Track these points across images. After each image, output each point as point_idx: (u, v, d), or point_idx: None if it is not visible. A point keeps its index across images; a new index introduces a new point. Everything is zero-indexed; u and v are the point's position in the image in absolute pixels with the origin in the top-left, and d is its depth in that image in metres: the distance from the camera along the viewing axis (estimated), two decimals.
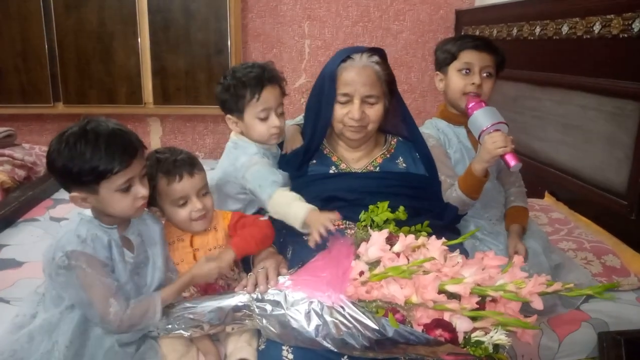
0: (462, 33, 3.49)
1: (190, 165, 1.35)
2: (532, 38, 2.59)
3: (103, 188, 1.14)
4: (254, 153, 1.54)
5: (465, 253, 1.44)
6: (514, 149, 1.51)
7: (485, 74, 1.72)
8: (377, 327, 1.13)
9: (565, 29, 2.30)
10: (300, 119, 1.75)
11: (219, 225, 1.46)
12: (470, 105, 1.61)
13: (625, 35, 1.94)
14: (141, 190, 1.18)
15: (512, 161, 1.50)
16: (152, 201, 1.36)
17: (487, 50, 1.72)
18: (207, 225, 1.41)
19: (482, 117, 1.56)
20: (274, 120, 1.51)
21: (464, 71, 1.72)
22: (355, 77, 1.51)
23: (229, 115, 1.56)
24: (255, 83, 1.47)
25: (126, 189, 1.16)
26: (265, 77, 1.49)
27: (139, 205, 1.20)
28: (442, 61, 1.79)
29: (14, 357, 1.17)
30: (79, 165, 1.10)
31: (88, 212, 1.22)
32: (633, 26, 1.89)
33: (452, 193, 1.63)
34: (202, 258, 1.32)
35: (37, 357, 1.16)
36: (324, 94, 1.54)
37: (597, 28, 2.09)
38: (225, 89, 1.52)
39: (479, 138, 1.57)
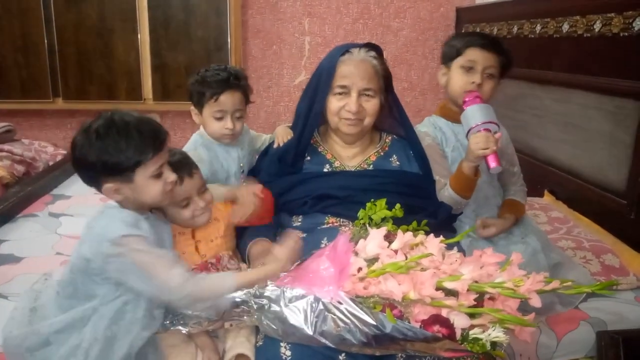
0: (463, 31, 3.48)
1: (188, 165, 1.37)
2: (532, 36, 2.59)
3: (138, 175, 1.15)
4: (193, 143, 1.68)
5: (462, 251, 1.44)
6: (496, 151, 1.50)
7: (487, 74, 1.70)
8: (374, 323, 1.13)
9: (565, 27, 2.30)
10: None
11: (220, 215, 1.48)
12: (466, 100, 1.61)
13: (626, 34, 1.93)
14: (171, 176, 1.21)
15: (492, 163, 1.51)
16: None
17: (493, 50, 1.70)
18: (209, 218, 1.43)
19: (473, 114, 1.56)
20: (227, 122, 1.60)
21: (466, 68, 1.70)
22: (354, 70, 1.52)
23: (192, 107, 1.65)
24: (216, 85, 1.57)
25: (158, 175, 1.18)
26: (228, 82, 1.58)
27: (168, 190, 1.22)
28: (447, 55, 1.77)
29: (34, 351, 1.17)
30: (115, 156, 1.11)
31: (113, 204, 1.22)
32: (634, 25, 1.89)
33: (445, 192, 1.63)
34: (279, 253, 1.27)
35: (64, 351, 1.15)
36: (319, 86, 1.55)
37: (597, 26, 2.09)
38: (193, 83, 1.62)
39: (467, 135, 1.56)
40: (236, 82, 1.59)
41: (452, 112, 1.80)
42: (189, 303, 1.18)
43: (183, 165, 1.35)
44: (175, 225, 1.41)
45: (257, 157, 1.80)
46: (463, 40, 1.74)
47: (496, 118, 1.57)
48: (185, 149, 1.65)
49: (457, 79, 1.72)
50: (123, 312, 1.17)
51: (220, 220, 1.48)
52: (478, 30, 3.22)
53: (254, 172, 1.73)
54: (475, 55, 1.69)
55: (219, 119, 1.60)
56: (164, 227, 1.33)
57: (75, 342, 1.15)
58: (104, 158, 1.11)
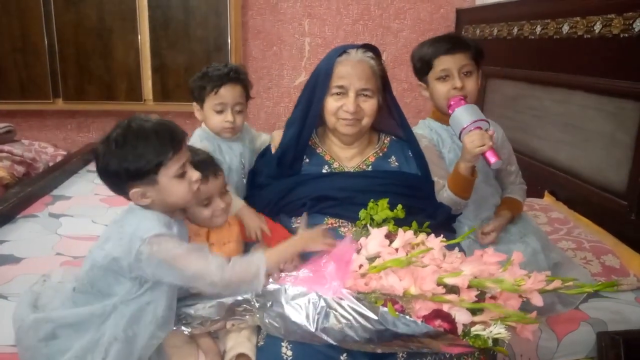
0: (463, 32, 3.49)
1: (214, 165, 1.39)
2: (532, 37, 2.59)
3: (162, 176, 1.16)
4: (197, 137, 1.68)
5: (462, 252, 1.44)
6: (492, 146, 1.51)
7: (464, 73, 1.70)
8: (376, 318, 1.13)
9: (565, 28, 2.30)
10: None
11: (233, 221, 1.50)
12: (451, 104, 1.62)
13: (626, 35, 1.94)
14: (195, 174, 1.22)
15: (492, 158, 1.50)
16: None
17: (460, 50, 1.70)
18: (226, 219, 1.45)
19: (461, 116, 1.56)
20: (228, 115, 1.63)
21: (442, 78, 1.71)
22: (351, 70, 1.52)
23: (194, 103, 1.68)
24: (216, 79, 1.61)
25: (182, 174, 1.19)
26: (228, 75, 1.61)
27: (194, 189, 1.22)
28: (420, 71, 1.78)
29: (48, 341, 1.17)
30: (136, 161, 1.13)
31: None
32: (634, 26, 1.89)
33: (444, 194, 1.63)
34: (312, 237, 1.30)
35: (80, 346, 1.15)
36: (317, 87, 1.55)
37: (597, 27, 2.09)
38: (195, 79, 1.65)
39: (459, 137, 1.57)
40: (236, 75, 1.62)
41: (443, 116, 1.80)
42: (224, 288, 1.19)
43: (209, 165, 1.36)
44: (190, 226, 1.42)
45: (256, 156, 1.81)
46: (427, 52, 1.73)
47: (483, 115, 1.58)
48: (190, 143, 1.66)
49: (439, 90, 1.73)
50: (144, 311, 1.18)
51: (234, 225, 1.49)
52: (478, 31, 3.23)
53: (253, 173, 1.72)
54: (444, 63, 1.70)
55: (220, 112, 1.62)
56: (183, 230, 1.34)
57: (94, 337, 1.16)
58: (125, 165, 1.13)
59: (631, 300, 1.73)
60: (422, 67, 1.76)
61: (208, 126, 1.67)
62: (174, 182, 1.18)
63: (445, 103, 1.70)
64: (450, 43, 1.72)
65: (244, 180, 1.73)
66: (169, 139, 1.16)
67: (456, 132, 1.58)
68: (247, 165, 1.74)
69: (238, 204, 1.57)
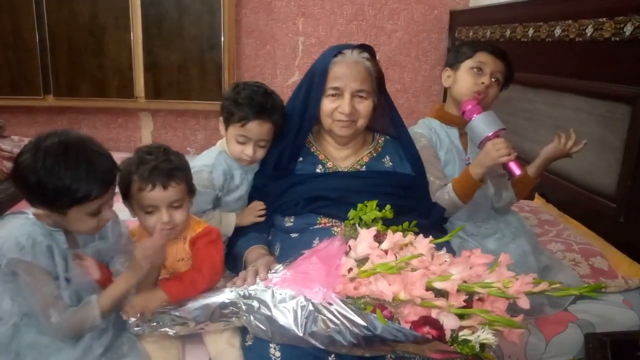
0: (456, 34, 3.49)
1: (167, 176, 1.27)
2: (525, 40, 2.60)
3: (74, 211, 1.11)
4: (214, 159, 1.58)
5: (452, 252, 1.45)
6: (517, 156, 1.52)
7: (494, 79, 1.72)
8: (365, 324, 1.13)
9: (558, 31, 2.31)
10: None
11: (189, 235, 1.38)
12: (468, 109, 1.61)
13: (617, 39, 1.95)
14: (108, 214, 1.17)
15: (517, 170, 1.53)
16: (126, 196, 1.33)
17: (501, 58, 1.74)
18: (172, 236, 1.34)
19: (484, 124, 1.57)
20: (248, 149, 1.53)
21: (475, 69, 1.72)
22: (347, 71, 1.51)
23: (221, 118, 1.59)
24: (247, 110, 1.49)
25: (96, 213, 1.14)
26: (260, 111, 1.49)
27: (101, 226, 1.19)
28: (455, 58, 1.79)
29: None
30: (56, 188, 1.06)
31: (27, 216, 1.17)
32: (624, 30, 1.90)
33: (444, 195, 1.63)
34: (137, 263, 1.22)
35: None
36: (312, 88, 1.54)
37: (589, 31, 2.10)
38: (228, 97, 1.54)
39: (479, 145, 1.57)
40: (271, 112, 1.51)
41: (448, 115, 1.81)
42: (65, 336, 1.17)
43: (163, 174, 1.27)
44: (145, 236, 1.34)
45: None
46: (473, 46, 1.78)
47: (502, 123, 1.59)
48: (202, 162, 1.58)
49: (466, 79, 1.73)
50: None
51: (189, 240, 1.38)
52: (471, 33, 3.24)
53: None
54: (485, 58, 1.72)
55: (241, 143, 1.53)
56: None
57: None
58: (43, 185, 1.06)
59: (619, 302, 1.74)
60: (459, 55, 1.78)
61: (227, 148, 1.58)
62: (84, 218, 1.13)
63: (466, 92, 1.72)
64: (498, 48, 1.76)
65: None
66: (100, 179, 1.10)
67: (476, 138, 1.59)
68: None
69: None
